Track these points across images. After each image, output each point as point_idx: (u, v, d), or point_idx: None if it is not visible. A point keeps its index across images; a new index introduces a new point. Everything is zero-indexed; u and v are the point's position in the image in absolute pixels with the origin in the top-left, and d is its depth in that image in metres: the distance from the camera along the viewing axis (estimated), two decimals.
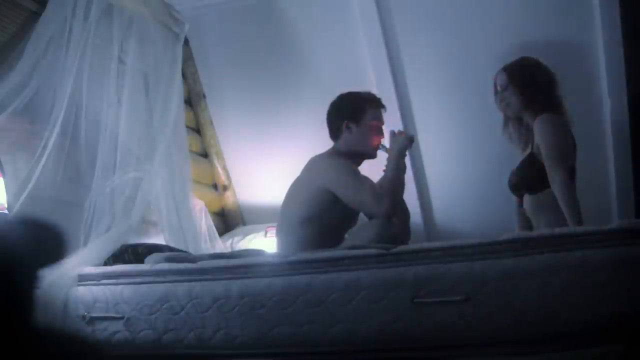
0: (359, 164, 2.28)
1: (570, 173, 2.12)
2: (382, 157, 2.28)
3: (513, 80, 2.23)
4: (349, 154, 2.23)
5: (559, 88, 2.24)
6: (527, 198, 2.23)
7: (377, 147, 2.27)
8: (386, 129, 2.34)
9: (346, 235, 2.23)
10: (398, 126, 2.97)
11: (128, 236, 2.15)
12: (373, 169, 2.30)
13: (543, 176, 2.11)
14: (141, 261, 1.96)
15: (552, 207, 2.07)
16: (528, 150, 2.23)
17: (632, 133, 2.67)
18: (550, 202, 2.09)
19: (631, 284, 1.39)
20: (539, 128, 2.13)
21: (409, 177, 3.03)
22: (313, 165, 2.23)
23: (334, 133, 2.29)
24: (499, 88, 2.28)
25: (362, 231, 2.10)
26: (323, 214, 2.12)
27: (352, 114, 2.24)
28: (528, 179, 2.20)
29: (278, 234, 2.31)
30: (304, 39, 3.10)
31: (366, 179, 2.16)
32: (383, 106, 2.31)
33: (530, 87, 2.21)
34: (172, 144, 2.44)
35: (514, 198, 2.36)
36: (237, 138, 3.41)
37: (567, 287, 1.42)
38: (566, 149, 2.14)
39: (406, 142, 2.21)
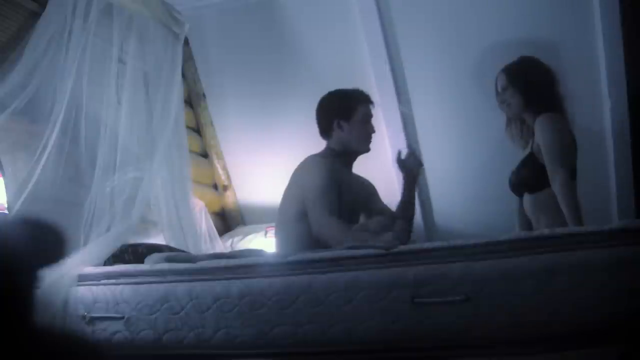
0: (354, 160, 2.29)
1: (571, 173, 2.12)
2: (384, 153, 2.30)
3: (513, 81, 2.24)
4: (343, 152, 2.24)
5: (560, 86, 2.25)
6: (526, 197, 2.23)
7: (369, 142, 2.28)
8: (386, 129, 2.35)
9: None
10: (398, 127, 2.98)
11: (128, 236, 2.15)
12: (375, 168, 2.32)
13: (543, 176, 2.11)
14: (141, 261, 1.96)
15: (552, 206, 2.07)
16: (528, 150, 2.23)
17: (632, 133, 2.67)
18: (550, 201, 2.09)
19: (631, 284, 1.39)
20: (540, 128, 2.13)
21: None
22: (305, 165, 2.24)
23: (325, 132, 2.29)
24: (499, 89, 2.29)
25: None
26: None
27: (342, 113, 2.25)
28: (528, 178, 2.20)
29: (276, 232, 2.31)
30: (304, 39, 3.11)
31: (334, 207, 2.11)
32: (371, 102, 2.32)
33: (530, 87, 2.21)
34: (172, 144, 2.44)
35: (515, 198, 2.36)
36: (237, 138, 3.41)
37: (567, 287, 1.42)
38: (567, 148, 2.14)
39: (417, 166, 2.33)
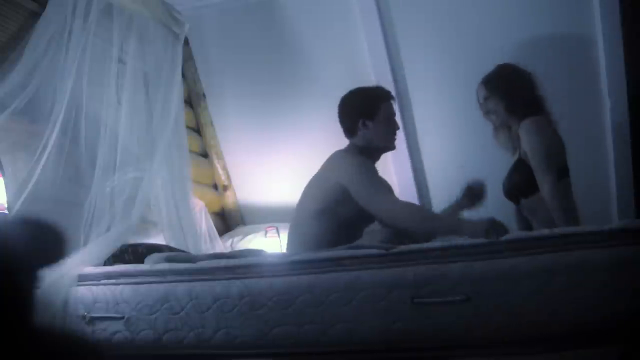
0: (378, 158, 2.30)
1: (562, 172, 2.13)
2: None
3: (493, 90, 2.27)
4: (368, 150, 2.24)
5: (539, 88, 2.27)
6: (523, 202, 2.24)
7: (394, 139, 2.29)
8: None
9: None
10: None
11: (128, 236, 2.15)
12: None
13: (534, 180, 2.12)
14: (141, 261, 1.96)
15: (567, 195, 2.09)
16: (516, 156, 2.25)
17: (632, 133, 2.67)
18: (564, 190, 2.11)
19: (631, 284, 1.39)
20: (524, 133, 2.15)
21: (409, 178, 3.05)
22: (332, 160, 2.23)
23: (350, 131, 2.28)
24: (481, 100, 2.32)
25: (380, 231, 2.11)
26: (339, 209, 2.11)
27: (367, 112, 2.24)
28: (520, 184, 2.21)
29: (291, 228, 2.29)
30: (304, 39, 3.11)
31: (383, 182, 2.18)
32: (393, 98, 2.33)
33: (510, 93, 2.24)
34: (172, 144, 2.44)
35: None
36: (237, 138, 3.41)
37: (567, 287, 1.42)
38: (553, 149, 2.14)
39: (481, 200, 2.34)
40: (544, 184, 2.07)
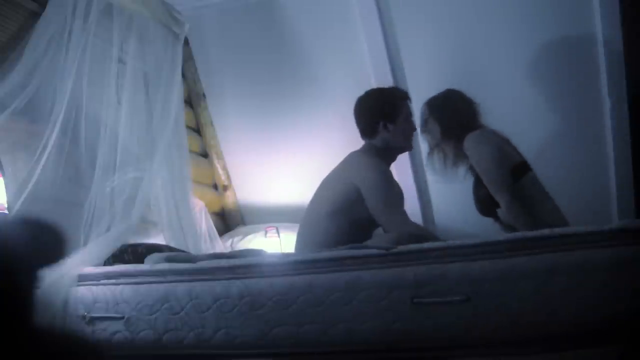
0: (395, 158, 2.31)
1: (520, 170, 2.13)
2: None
3: (433, 112, 2.30)
4: (386, 151, 2.24)
5: (481, 118, 2.29)
6: (499, 211, 2.23)
7: (411, 140, 2.30)
8: None
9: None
10: None
11: (128, 236, 2.15)
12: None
13: None
14: (141, 261, 1.96)
15: (525, 211, 2.09)
16: (474, 173, 2.26)
17: (632, 133, 2.67)
18: (521, 207, 2.10)
19: (631, 284, 1.39)
20: (468, 150, 2.17)
21: (409, 178, 3.05)
22: (348, 161, 2.23)
23: (368, 133, 2.28)
24: (422, 120, 2.35)
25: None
26: (352, 209, 2.11)
27: (388, 114, 2.24)
28: (488, 199, 2.20)
29: (302, 228, 2.29)
30: (304, 39, 3.11)
31: (395, 188, 2.17)
32: (410, 98, 2.34)
33: (449, 117, 2.27)
34: (172, 144, 2.44)
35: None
36: (237, 138, 3.41)
37: (566, 287, 1.42)
38: (500, 154, 2.14)
39: None
40: (500, 201, 2.09)
